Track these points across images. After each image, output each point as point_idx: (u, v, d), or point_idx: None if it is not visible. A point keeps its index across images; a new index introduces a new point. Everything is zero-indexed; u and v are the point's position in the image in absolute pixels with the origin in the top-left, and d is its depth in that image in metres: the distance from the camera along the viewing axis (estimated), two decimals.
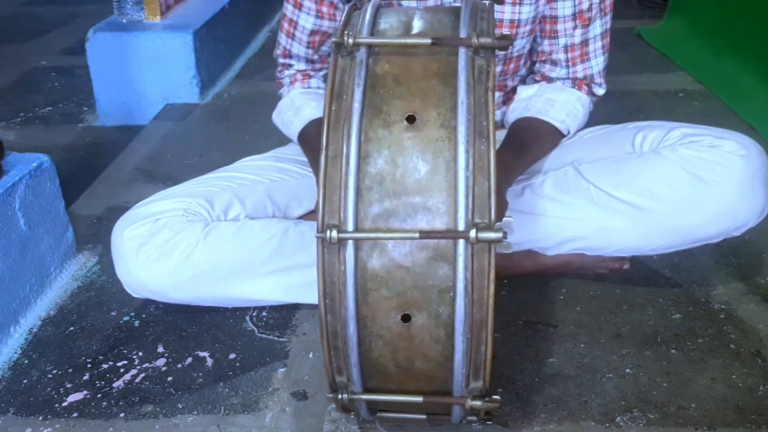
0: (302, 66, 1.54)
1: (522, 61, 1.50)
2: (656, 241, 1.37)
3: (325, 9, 1.45)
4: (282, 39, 1.53)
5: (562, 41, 1.45)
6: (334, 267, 0.93)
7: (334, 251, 0.92)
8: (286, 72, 1.56)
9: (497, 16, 1.37)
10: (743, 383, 1.25)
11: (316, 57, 1.53)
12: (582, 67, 1.48)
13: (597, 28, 1.45)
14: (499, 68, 1.47)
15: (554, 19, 1.43)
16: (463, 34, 0.97)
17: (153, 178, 2.04)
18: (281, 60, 1.56)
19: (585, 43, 1.46)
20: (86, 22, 2.70)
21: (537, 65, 1.52)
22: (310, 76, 1.55)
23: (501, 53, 1.43)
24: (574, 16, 1.43)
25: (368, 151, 0.93)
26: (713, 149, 1.33)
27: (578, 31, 1.44)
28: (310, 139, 1.47)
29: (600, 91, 1.51)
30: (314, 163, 1.45)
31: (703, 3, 2.83)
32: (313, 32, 1.48)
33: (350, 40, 0.96)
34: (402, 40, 0.98)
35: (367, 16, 1.01)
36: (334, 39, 0.98)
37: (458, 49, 0.96)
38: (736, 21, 2.54)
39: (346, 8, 1.05)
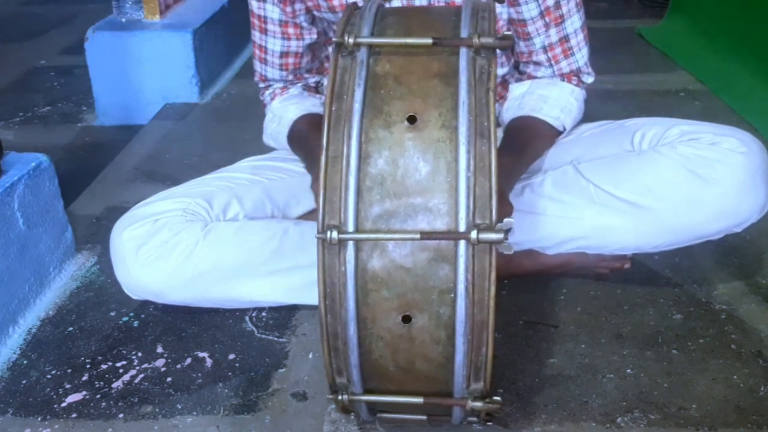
0: (280, 85, 1.57)
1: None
2: (657, 239, 1.37)
3: (291, 30, 1.47)
4: (256, 65, 1.56)
5: (537, 42, 1.45)
6: (334, 268, 0.92)
7: (335, 252, 0.92)
8: (267, 92, 1.59)
9: None
10: (744, 384, 1.25)
11: (291, 77, 1.56)
12: (567, 62, 1.47)
13: (576, 22, 1.44)
14: None
15: (523, 22, 1.43)
16: (464, 34, 0.97)
17: (152, 178, 2.04)
18: (261, 84, 1.59)
19: (565, 39, 1.45)
20: (85, 22, 2.70)
21: (521, 66, 1.51)
22: (288, 89, 1.57)
23: None
24: (541, 15, 1.42)
25: (369, 152, 0.93)
26: (713, 146, 1.32)
27: (553, 30, 1.43)
28: (298, 139, 1.48)
29: (589, 79, 1.51)
30: (308, 162, 1.45)
31: (704, 3, 2.83)
32: (283, 54, 1.50)
33: (351, 40, 0.96)
34: (403, 40, 0.98)
35: (368, 16, 1.01)
36: (334, 39, 0.97)
37: (459, 49, 0.96)
38: (736, 21, 2.54)
39: (346, 7, 1.05)
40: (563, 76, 1.48)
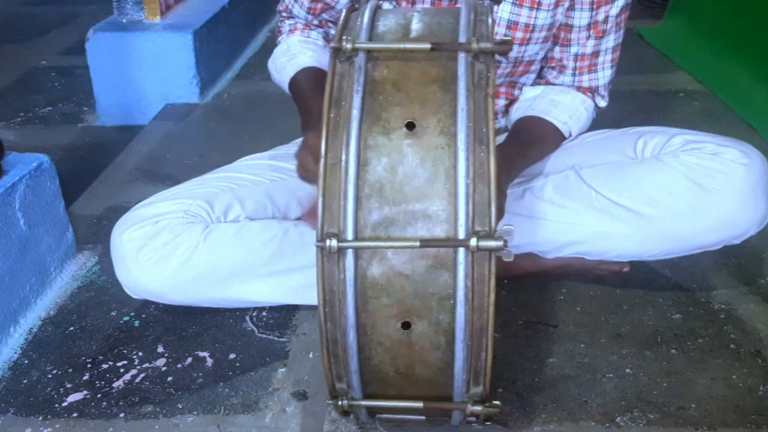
0: (303, 23, 1.53)
1: (533, 66, 1.49)
2: (656, 247, 1.37)
3: None
4: None
5: (573, 49, 1.45)
6: (333, 275, 0.92)
7: (334, 260, 0.92)
8: (287, 22, 1.54)
9: (512, 18, 1.38)
10: (743, 383, 1.26)
11: (315, 21, 1.52)
12: (588, 77, 1.48)
13: (610, 41, 1.45)
14: (507, 70, 1.47)
15: (569, 27, 1.43)
16: (462, 38, 0.96)
17: (153, 178, 2.04)
18: (284, 14, 1.55)
19: (596, 54, 1.46)
20: (86, 22, 2.70)
21: (544, 70, 1.52)
22: (310, 29, 1.53)
23: (512, 55, 1.43)
24: (589, 26, 1.42)
25: (367, 159, 0.92)
26: (715, 156, 1.32)
27: (591, 42, 1.44)
28: (300, 87, 1.45)
29: (602, 103, 1.51)
30: (302, 119, 1.42)
31: (703, 3, 2.83)
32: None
33: (348, 45, 0.95)
34: (401, 45, 0.97)
35: (365, 19, 1.00)
36: (332, 44, 0.97)
37: (457, 54, 0.95)
38: (736, 21, 2.54)
39: (344, 10, 1.05)
40: (580, 89, 1.49)
